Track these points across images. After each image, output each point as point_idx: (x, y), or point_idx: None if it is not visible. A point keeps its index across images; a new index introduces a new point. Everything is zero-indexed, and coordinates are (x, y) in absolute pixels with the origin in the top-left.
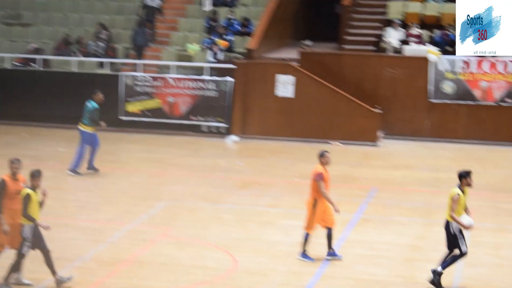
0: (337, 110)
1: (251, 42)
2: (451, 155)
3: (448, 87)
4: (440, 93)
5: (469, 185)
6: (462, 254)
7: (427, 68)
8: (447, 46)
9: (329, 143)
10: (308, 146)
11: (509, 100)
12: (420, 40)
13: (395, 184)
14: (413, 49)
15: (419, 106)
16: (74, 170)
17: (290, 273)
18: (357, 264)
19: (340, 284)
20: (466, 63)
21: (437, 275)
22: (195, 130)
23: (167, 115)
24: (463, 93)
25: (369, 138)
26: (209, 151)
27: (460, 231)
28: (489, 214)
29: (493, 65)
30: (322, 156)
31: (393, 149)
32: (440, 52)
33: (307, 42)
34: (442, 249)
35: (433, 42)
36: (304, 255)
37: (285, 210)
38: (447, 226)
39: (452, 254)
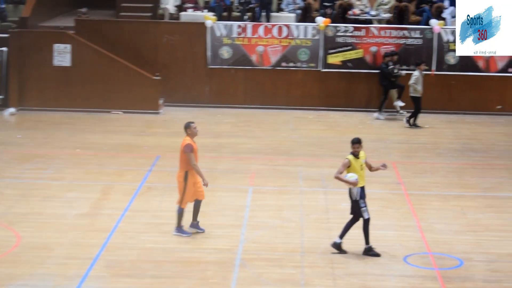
0: (117, 78)
1: (24, 10)
2: (232, 121)
3: (225, 53)
4: (218, 59)
5: (352, 153)
6: (365, 221)
7: (205, 34)
8: (222, 11)
9: (110, 112)
10: (89, 116)
11: (285, 64)
12: (196, 6)
13: (179, 151)
14: (189, 15)
15: (198, 73)
16: None
17: (76, 246)
18: (143, 233)
19: (126, 254)
20: (242, 28)
21: (336, 246)
22: None
23: None
24: (240, 58)
25: (151, 106)
26: None
27: (362, 198)
28: (271, 177)
29: (268, 30)
30: (188, 127)
31: (175, 117)
32: (216, 18)
33: (83, 10)
34: (227, 214)
35: (209, 8)
36: (180, 229)
37: (68, 182)
38: (349, 192)
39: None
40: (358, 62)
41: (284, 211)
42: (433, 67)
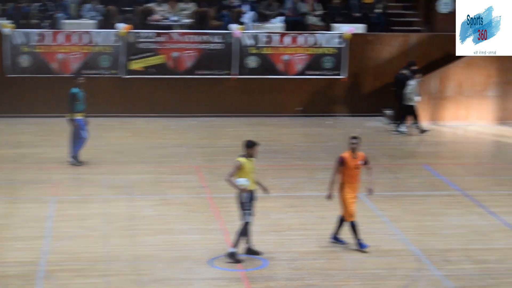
0: None
1: None
2: (32, 130)
3: (25, 61)
4: (17, 68)
5: (251, 155)
6: (245, 223)
7: (2, 43)
8: (20, 18)
9: None
10: None
11: (86, 71)
12: None
13: None
14: None
15: None
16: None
17: None
18: None
19: None
20: (42, 35)
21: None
22: None
23: None
24: (41, 66)
25: None
26: None
27: (249, 202)
28: (74, 186)
29: (68, 37)
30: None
31: None
32: (14, 25)
33: None
34: (29, 226)
35: (6, 15)
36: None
37: None
38: (238, 195)
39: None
40: (161, 68)
41: (88, 220)
42: (235, 71)
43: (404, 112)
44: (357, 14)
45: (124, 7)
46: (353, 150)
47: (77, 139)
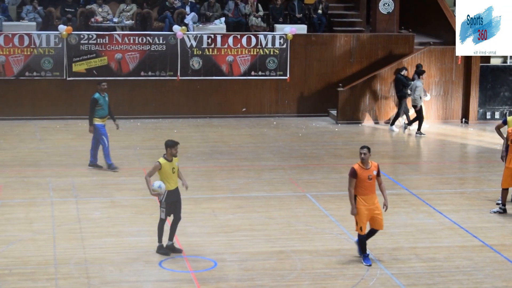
0: None
1: None
2: None
3: None
4: None
5: (174, 155)
6: (160, 220)
7: None
8: None
9: None
10: None
11: (28, 73)
12: None
13: None
14: None
15: None
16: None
17: None
18: None
19: None
20: None
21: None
22: None
23: None
24: None
25: None
26: None
27: (166, 201)
28: (19, 189)
29: (8, 39)
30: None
31: None
32: None
33: None
34: None
35: None
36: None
37: None
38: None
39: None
40: (103, 70)
41: (35, 223)
42: (178, 72)
43: (418, 114)
44: (299, 15)
45: (65, 8)
46: (364, 161)
47: (99, 144)
